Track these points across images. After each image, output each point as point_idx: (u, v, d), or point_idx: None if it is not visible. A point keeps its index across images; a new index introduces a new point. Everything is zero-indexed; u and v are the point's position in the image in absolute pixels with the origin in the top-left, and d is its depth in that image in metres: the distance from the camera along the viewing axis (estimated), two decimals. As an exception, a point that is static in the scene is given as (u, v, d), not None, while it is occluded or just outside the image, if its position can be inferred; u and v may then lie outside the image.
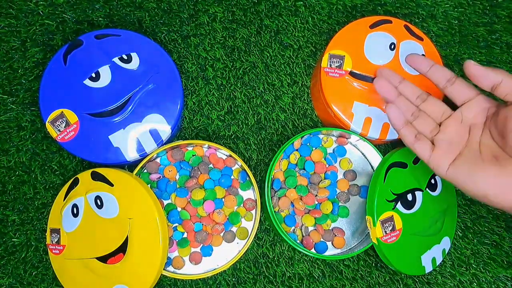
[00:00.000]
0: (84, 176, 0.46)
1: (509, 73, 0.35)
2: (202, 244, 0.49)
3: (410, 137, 0.40)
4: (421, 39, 0.52)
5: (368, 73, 0.50)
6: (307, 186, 0.51)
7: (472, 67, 0.36)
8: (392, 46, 0.51)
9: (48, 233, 0.47)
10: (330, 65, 0.50)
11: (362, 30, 0.51)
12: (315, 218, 0.50)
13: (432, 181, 0.50)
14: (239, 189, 0.51)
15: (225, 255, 0.49)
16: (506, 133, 0.34)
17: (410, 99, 0.42)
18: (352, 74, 0.50)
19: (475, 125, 0.38)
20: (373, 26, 0.51)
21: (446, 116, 0.40)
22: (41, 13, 0.54)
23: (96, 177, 0.46)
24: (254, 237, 0.52)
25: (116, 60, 0.49)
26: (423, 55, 0.51)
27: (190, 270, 0.49)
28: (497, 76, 0.35)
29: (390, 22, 0.52)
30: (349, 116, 0.49)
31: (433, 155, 0.38)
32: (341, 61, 0.50)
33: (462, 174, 0.35)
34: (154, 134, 0.48)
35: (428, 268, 0.49)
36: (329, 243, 0.51)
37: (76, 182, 0.46)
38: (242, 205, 0.51)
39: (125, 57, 0.49)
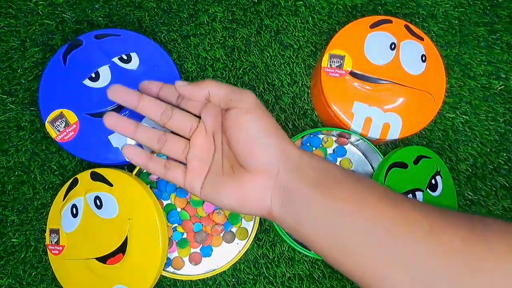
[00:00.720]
0: (84, 176, 0.46)
1: (215, 83, 0.33)
2: (201, 245, 0.49)
3: (160, 168, 0.37)
4: (421, 39, 0.52)
5: (368, 73, 0.50)
6: (307, 186, 0.51)
7: (180, 88, 0.34)
8: (393, 46, 0.51)
9: (47, 234, 0.47)
10: (330, 65, 0.50)
11: (363, 30, 0.51)
12: (315, 218, 0.50)
13: (433, 181, 0.49)
14: (239, 190, 0.51)
15: (225, 255, 0.49)
16: (229, 140, 0.33)
17: (155, 118, 0.37)
18: (352, 74, 0.50)
19: (216, 132, 0.36)
20: (374, 26, 0.51)
21: (194, 128, 0.36)
22: (40, 13, 0.54)
23: (96, 177, 0.45)
24: (254, 238, 0.51)
25: (115, 60, 0.49)
26: (423, 55, 0.51)
27: (189, 271, 0.49)
28: (204, 90, 0.33)
29: (391, 22, 0.52)
30: (349, 116, 0.49)
31: (187, 178, 0.36)
32: (341, 61, 0.50)
33: (211, 193, 0.34)
34: (154, 134, 0.48)
35: (429, 268, 0.49)
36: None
37: (75, 182, 0.46)
38: (242, 205, 0.51)
39: (125, 57, 0.49)
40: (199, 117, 0.37)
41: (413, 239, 0.27)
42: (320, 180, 0.31)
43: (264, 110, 0.33)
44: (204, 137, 0.36)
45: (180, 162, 0.37)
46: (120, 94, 0.36)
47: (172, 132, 0.38)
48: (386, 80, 0.50)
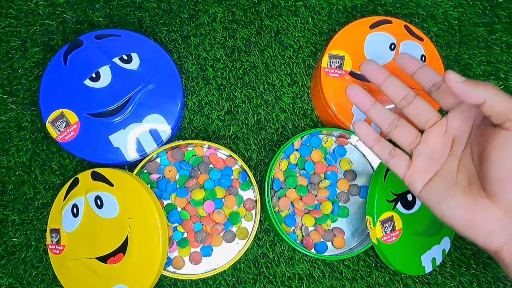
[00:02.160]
0: (84, 176, 0.46)
1: (497, 90, 0.28)
2: (202, 244, 0.49)
3: (384, 153, 0.36)
4: (421, 39, 0.52)
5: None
6: (307, 186, 0.51)
7: (452, 83, 0.29)
8: (392, 46, 0.51)
9: (48, 233, 0.47)
10: (330, 65, 0.50)
11: (362, 30, 0.51)
12: (315, 218, 0.51)
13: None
14: (239, 189, 0.51)
15: (225, 255, 0.49)
16: (484, 157, 0.30)
17: (394, 100, 0.36)
18: (352, 74, 0.50)
19: (458, 138, 0.33)
20: (373, 26, 0.51)
21: (432, 123, 0.34)
22: (41, 13, 0.54)
23: (96, 177, 0.46)
24: (254, 237, 0.52)
25: (116, 60, 0.49)
26: (422, 55, 0.51)
27: (190, 270, 0.49)
28: (480, 96, 0.28)
29: (390, 22, 0.52)
30: (349, 116, 0.49)
31: (408, 172, 0.34)
32: (341, 61, 0.50)
33: (433, 198, 0.32)
34: (154, 134, 0.48)
35: (428, 268, 0.49)
36: (329, 243, 0.51)
37: (76, 182, 0.46)
38: (242, 205, 0.51)
39: (125, 57, 0.49)
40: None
41: None
42: None
43: None
44: (441, 136, 0.33)
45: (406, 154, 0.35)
46: (371, 70, 0.36)
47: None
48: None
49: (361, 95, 0.36)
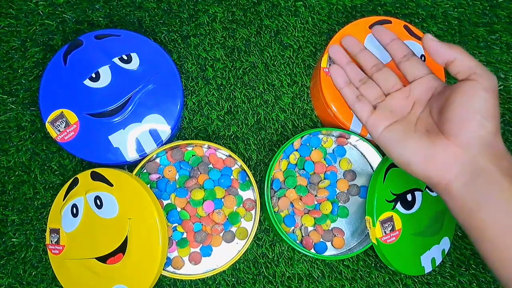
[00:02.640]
0: (84, 176, 0.46)
1: (465, 51, 0.35)
2: (201, 244, 0.49)
3: (352, 96, 0.42)
4: (420, 39, 0.52)
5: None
6: (306, 186, 0.51)
7: (429, 42, 0.36)
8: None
9: (47, 233, 0.47)
10: (330, 65, 0.50)
11: (362, 30, 0.51)
12: (314, 218, 0.51)
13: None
14: (238, 189, 0.51)
15: (224, 255, 0.49)
16: (447, 106, 0.34)
17: (366, 66, 0.43)
18: None
19: (419, 101, 0.38)
20: (373, 26, 0.51)
21: (396, 89, 0.40)
22: (41, 13, 0.54)
23: (96, 177, 0.46)
24: (254, 237, 0.52)
25: (116, 60, 0.49)
26: (422, 55, 0.51)
27: (189, 270, 0.49)
28: (452, 54, 0.35)
29: (390, 22, 0.52)
30: (348, 116, 0.49)
31: (371, 117, 0.39)
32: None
33: (393, 139, 0.37)
34: (154, 134, 0.48)
35: (428, 268, 0.49)
36: (328, 243, 0.51)
37: (75, 182, 0.46)
38: (241, 205, 0.51)
39: (125, 57, 0.49)
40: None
41: None
42: None
43: (497, 98, 0.33)
44: (403, 99, 0.39)
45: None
46: (349, 43, 0.46)
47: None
48: None
49: (340, 53, 0.46)
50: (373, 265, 0.52)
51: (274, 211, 0.50)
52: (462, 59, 0.34)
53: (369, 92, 0.42)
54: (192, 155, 0.51)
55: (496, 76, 0.35)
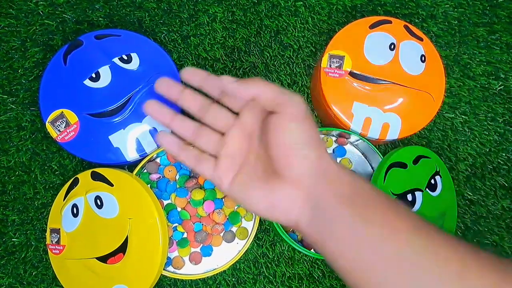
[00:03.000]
0: (84, 176, 0.46)
1: (265, 84, 0.32)
2: (202, 244, 0.49)
3: (191, 160, 0.37)
4: (421, 39, 0.52)
5: (368, 73, 0.50)
6: (307, 186, 0.51)
7: (226, 85, 0.33)
8: (392, 46, 0.51)
9: (48, 233, 0.47)
10: (330, 65, 0.50)
11: (362, 30, 0.51)
12: (315, 218, 0.50)
13: (432, 181, 0.50)
14: (239, 189, 0.51)
15: (225, 255, 0.49)
16: (267, 143, 0.32)
17: (193, 111, 0.37)
18: (352, 74, 0.50)
19: (253, 132, 0.35)
20: (373, 26, 0.51)
21: (230, 125, 0.36)
22: (41, 13, 0.54)
23: (96, 177, 0.46)
24: (254, 237, 0.52)
25: (116, 60, 0.49)
26: (422, 55, 0.51)
27: (190, 270, 0.49)
28: (251, 91, 0.32)
29: (390, 22, 0.52)
30: (349, 116, 0.49)
31: (214, 173, 0.35)
32: (341, 61, 0.50)
33: (239, 193, 0.34)
34: (154, 134, 0.48)
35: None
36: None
37: (76, 182, 0.46)
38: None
39: (125, 57, 0.49)
40: (237, 114, 0.36)
41: (443, 280, 0.27)
42: (354, 199, 0.30)
43: (309, 119, 0.32)
44: (240, 137, 0.35)
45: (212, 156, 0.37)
46: (164, 87, 0.37)
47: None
48: (385, 80, 0.50)
49: (160, 110, 0.37)
50: (373, 265, 0.52)
51: (274, 211, 0.50)
52: (263, 93, 0.32)
53: (206, 143, 0.36)
54: (192, 155, 0.51)
55: (302, 97, 0.32)
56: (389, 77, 0.50)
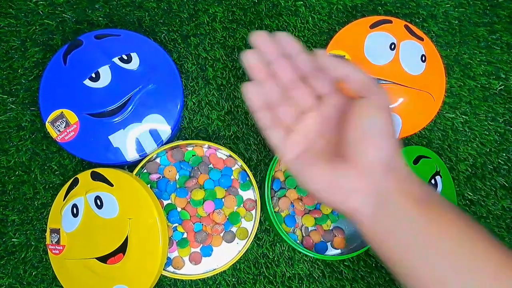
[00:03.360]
0: (84, 176, 0.46)
1: (357, 68, 0.32)
2: (202, 244, 0.49)
3: (266, 121, 0.36)
4: (421, 39, 0.52)
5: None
6: (307, 186, 0.51)
7: (322, 58, 0.33)
8: (392, 46, 0.51)
9: (48, 233, 0.47)
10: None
11: (362, 30, 0.51)
12: (315, 218, 0.50)
13: (432, 181, 0.49)
14: (239, 189, 0.51)
15: (225, 255, 0.49)
16: (344, 128, 0.32)
17: (284, 79, 0.37)
18: None
19: (331, 120, 0.36)
20: (373, 26, 0.51)
21: (313, 107, 0.36)
22: (41, 13, 0.54)
23: (96, 177, 0.46)
24: (254, 237, 0.52)
25: (116, 60, 0.49)
26: (423, 55, 0.51)
27: (190, 270, 0.49)
28: (345, 69, 0.32)
29: (390, 22, 0.52)
30: None
31: (282, 142, 0.36)
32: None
33: (299, 168, 0.34)
34: (154, 134, 0.48)
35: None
36: (329, 244, 0.51)
37: (76, 182, 0.46)
38: (242, 205, 0.51)
39: (125, 57, 0.49)
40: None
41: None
42: (424, 201, 0.30)
43: (391, 113, 0.32)
44: (318, 122, 0.36)
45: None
46: (263, 43, 0.35)
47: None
48: (386, 80, 0.50)
49: (259, 65, 0.36)
50: (373, 265, 0.52)
51: (275, 211, 0.50)
52: (353, 75, 0.32)
53: (286, 114, 0.37)
54: (193, 155, 0.51)
55: (387, 93, 0.32)
56: (390, 77, 0.50)
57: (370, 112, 0.31)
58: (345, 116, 0.33)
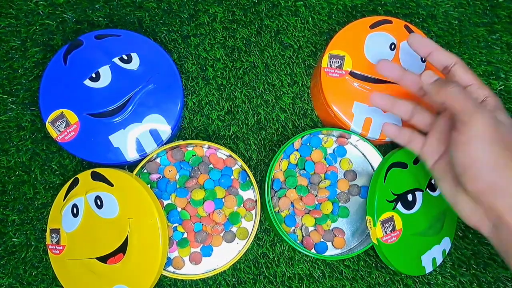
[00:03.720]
0: (84, 176, 0.46)
1: (457, 90, 0.34)
2: (202, 244, 0.49)
3: (404, 140, 0.43)
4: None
5: (368, 73, 0.50)
6: (307, 186, 0.51)
7: (423, 84, 0.37)
8: (392, 46, 0.51)
9: (48, 233, 0.47)
10: (330, 65, 0.50)
11: (362, 30, 0.51)
12: (315, 218, 0.50)
13: (432, 181, 0.49)
14: (239, 189, 0.51)
15: (225, 255, 0.49)
16: (453, 157, 0.35)
17: (412, 91, 0.42)
18: (352, 74, 0.50)
19: (444, 137, 0.40)
20: (373, 26, 0.51)
21: (433, 124, 0.41)
22: (41, 13, 0.54)
23: (96, 177, 0.46)
24: (254, 237, 0.52)
25: (116, 60, 0.49)
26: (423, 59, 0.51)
27: (190, 270, 0.49)
28: (440, 96, 0.35)
29: (390, 22, 0.52)
30: (349, 116, 0.49)
31: (422, 150, 0.41)
32: (341, 61, 0.50)
33: (438, 175, 0.39)
34: (154, 134, 0.48)
35: (429, 268, 0.49)
36: (329, 243, 0.51)
37: (76, 182, 0.46)
38: (242, 205, 0.51)
39: (125, 57, 0.49)
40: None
41: None
42: None
43: (498, 139, 0.32)
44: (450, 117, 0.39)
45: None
46: (386, 69, 0.42)
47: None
48: (386, 80, 0.50)
49: (385, 98, 0.43)
50: (373, 265, 0.52)
51: (275, 211, 0.50)
52: (451, 102, 0.34)
53: (419, 122, 0.42)
54: (193, 155, 0.51)
55: (490, 113, 0.33)
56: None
57: (471, 143, 0.32)
58: (452, 137, 0.35)
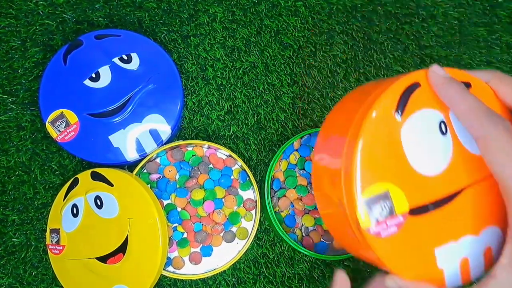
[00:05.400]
0: (84, 176, 0.46)
1: (470, 103, 0.28)
2: (202, 244, 0.49)
3: None
4: (468, 85, 0.30)
5: (430, 199, 0.29)
6: (307, 186, 0.51)
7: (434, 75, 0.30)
8: (443, 127, 0.30)
9: (48, 233, 0.47)
10: (378, 220, 0.28)
11: (388, 122, 0.29)
12: (315, 218, 0.50)
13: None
14: (239, 189, 0.51)
15: (225, 255, 0.49)
16: None
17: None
18: (414, 212, 0.28)
19: None
20: (401, 106, 0.29)
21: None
22: (41, 13, 0.54)
23: (96, 177, 0.46)
24: (254, 237, 0.52)
25: (116, 60, 0.49)
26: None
27: (190, 270, 0.49)
28: (453, 109, 0.29)
29: (418, 85, 0.29)
30: (437, 275, 0.29)
31: None
32: (387, 204, 0.28)
33: None
34: (154, 134, 0.48)
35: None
36: (329, 244, 0.51)
37: (76, 182, 0.46)
38: (242, 205, 0.51)
39: (125, 57, 0.49)
40: None
41: None
42: None
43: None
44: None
45: None
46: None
47: None
48: (456, 187, 0.29)
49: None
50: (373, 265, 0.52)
51: (275, 211, 0.50)
52: (462, 119, 0.28)
53: None
54: (192, 155, 0.51)
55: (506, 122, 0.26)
56: (460, 177, 0.30)
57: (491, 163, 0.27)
58: None
